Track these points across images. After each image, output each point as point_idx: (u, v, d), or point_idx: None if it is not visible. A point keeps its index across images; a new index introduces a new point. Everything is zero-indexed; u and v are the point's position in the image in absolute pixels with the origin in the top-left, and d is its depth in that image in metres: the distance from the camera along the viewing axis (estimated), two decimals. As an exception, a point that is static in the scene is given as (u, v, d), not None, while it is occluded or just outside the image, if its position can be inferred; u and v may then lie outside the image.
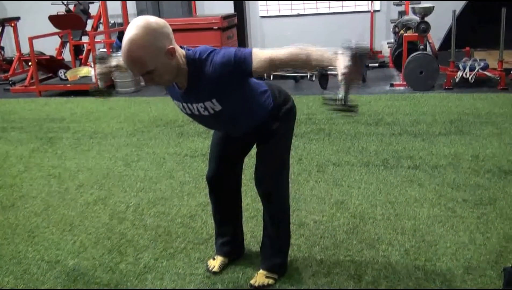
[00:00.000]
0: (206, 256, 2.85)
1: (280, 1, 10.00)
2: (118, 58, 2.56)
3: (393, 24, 8.03)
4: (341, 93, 1.88)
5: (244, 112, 2.28)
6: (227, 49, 2.08)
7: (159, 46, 1.95)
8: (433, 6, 6.67)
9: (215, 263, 2.73)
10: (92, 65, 7.86)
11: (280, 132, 2.43)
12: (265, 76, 7.23)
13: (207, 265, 2.75)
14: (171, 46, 1.99)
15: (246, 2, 10.26)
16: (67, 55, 9.31)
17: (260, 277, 2.58)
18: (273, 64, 2.04)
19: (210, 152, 2.64)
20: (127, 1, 9.21)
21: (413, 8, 6.86)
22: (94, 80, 7.65)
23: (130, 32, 1.93)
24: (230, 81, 2.08)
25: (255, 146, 2.53)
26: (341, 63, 1.86)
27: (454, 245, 2.82)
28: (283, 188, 2.50)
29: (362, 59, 1.88)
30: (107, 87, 2.69)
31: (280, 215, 2.55)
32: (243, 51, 2.05)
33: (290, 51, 2.01)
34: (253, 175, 2.50)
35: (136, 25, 1.94)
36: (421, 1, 7.93)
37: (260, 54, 2.03)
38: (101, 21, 9.03)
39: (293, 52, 2.01)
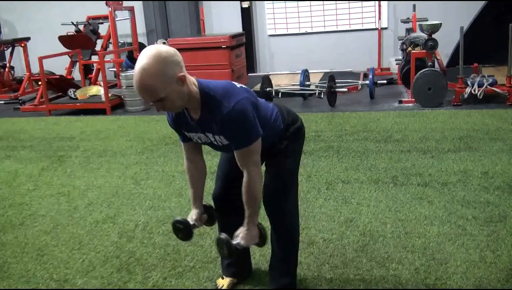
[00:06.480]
0: (215, 275, 2.84)
1: (288, 20, 10.08)
2: (193, 214, 2.47)
3: (400, 41, 8.06)
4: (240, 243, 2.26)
5: None
6: (243, 116, 2.11)
7: (170, 74, 1.98)
8: (441, 23, 6.69)
9: (224, 282, 2.72)
10: (102, 84, 7.93)
11: (288, 151, 2.43)
12: (273, 94, 7.25)
13: (216, 284, 2.74)
14: (181, 74, 2.02)
15: (255, 21, 10.34)
16: (76, 75, 9.41)
17: (268, 298, 2.57)
18: (244, 164, 2.18)
19: (218, 170, 2.64)
20: (137, 21, 9.32)
21: (420, 26, 6.89)
22: (104, 101, 7.71)
23: (142, 62, 1.96)
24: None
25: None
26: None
27: (464, 263, 2.80)
28: (291, 207, 2.49)
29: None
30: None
31: (288, 236, 2.52)
32: (252, 132, 2.14)
33: (257, 190, 2.23)
34: (261, 194, 2.49)
35: (147, 55, 1.97)
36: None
37: (256, 152, 2.18)
38: (110, 41, 9.15)
39: (257, 192, 2.23)
